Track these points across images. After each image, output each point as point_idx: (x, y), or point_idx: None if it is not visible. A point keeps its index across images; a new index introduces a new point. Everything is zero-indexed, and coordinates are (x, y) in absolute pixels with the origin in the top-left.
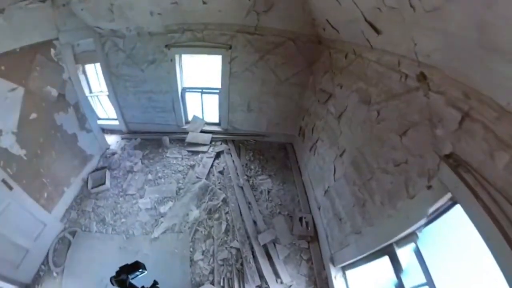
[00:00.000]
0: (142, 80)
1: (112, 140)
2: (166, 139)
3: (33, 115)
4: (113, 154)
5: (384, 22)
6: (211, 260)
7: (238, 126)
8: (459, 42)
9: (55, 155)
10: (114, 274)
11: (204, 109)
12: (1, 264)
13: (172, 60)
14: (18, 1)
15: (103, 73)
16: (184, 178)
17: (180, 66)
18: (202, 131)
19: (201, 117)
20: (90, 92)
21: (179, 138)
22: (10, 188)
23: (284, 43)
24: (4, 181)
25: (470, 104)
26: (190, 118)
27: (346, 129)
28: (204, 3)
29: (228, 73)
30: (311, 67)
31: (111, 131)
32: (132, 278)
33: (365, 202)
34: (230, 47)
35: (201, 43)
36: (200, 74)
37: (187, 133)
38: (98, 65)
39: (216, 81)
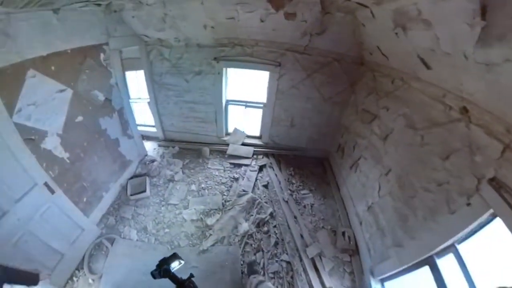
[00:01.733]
0: (185, 90)
1: (149, 147)
2: (206, 150)
3: (79, 118)
4: (152, 161)
5: (436, 62)
6: (262, 273)
7: (278, 140)
8: (508, 91)
9: (97, 160)
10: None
11: (245, 122)
12: (35, 268)
13: (220, 73)
14: (73, 2)
15: (146, 80)
16: (228, 190)
17: (226, 79)
18: (243, 144)
19: (242, 130)
20: (129, 98)
21: (218, 150)
22: (52, 192)
23: (330, 63)
24: (46, 184)
25: (511, 138)
26: (230, 130)
27: (392, 150)
28: (261, 21)
29: (275, 89)
30: (353, 86)
31: (147, 137)
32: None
33: (408, 217)
34: (279, 65)
35: (250, 59)
36: (243, 88)
37: (226, 144)
38: (139, 72)
39: (259, 95)
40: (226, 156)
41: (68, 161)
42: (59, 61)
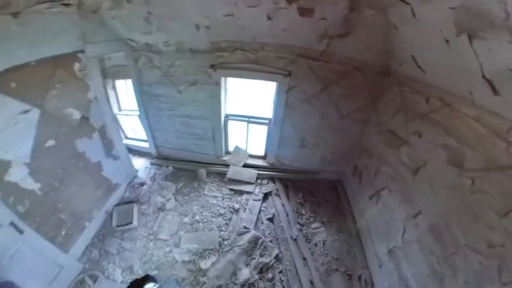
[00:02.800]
0: (179, 102)
1: (140, 164)
2: (203, 172)
3: (50, 142)
4: (142, 184)
5: (510, 87)
6: None
7: (286, 162)
8: None
9: (76, 188)
10: None
11: (247, 140)
12: None
13: (217, 83)
14: (36, 3)
15: (134, 91)
16: (227, 224)
17: (225, 90)
18: (245, 165)
19: (244, 149)
20: (120, 109)
21: (217, 172)
22: (21, 231)
23: (349, 73)
24: (13, 223)
25: None
26: (231, 148)
27: (425, 188)
28: (268, 18)
29: (284, 104)
30: (375, 101)
31: (140, 153)
32: None
33: (444, 277)
34: (289, 74)
35: (254, 66)
36: (245, 100)
37: (226, 165)
38: (129, 81)
39: (263, 110)
40: (225, 180)
41: (40, 192)
42: (21, 76)
